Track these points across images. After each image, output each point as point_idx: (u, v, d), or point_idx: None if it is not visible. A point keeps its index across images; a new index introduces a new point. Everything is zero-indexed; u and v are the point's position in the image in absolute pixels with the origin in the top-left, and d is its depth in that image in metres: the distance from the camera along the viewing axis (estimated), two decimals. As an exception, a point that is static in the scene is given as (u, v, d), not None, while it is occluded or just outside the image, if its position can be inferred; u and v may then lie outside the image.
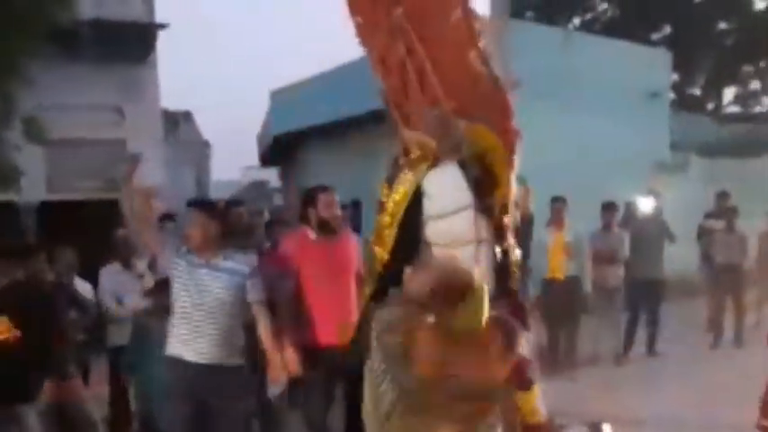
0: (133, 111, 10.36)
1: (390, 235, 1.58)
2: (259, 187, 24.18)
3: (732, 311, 9.34)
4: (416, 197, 1.56)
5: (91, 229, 7.57)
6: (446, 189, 1.57)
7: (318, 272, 4.46)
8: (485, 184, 1.61)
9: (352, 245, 4.70)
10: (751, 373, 7.30)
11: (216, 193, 14.34)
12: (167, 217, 6.96)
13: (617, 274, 8.41)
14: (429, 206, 1.55)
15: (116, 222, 9.89)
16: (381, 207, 1.80)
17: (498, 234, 1.68)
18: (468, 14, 1.69)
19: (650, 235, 8.74)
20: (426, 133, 1.76)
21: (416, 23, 1.64)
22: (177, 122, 11.50)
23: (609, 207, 8.45)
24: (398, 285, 1.69)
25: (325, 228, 4.51)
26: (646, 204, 9.00)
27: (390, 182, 1.82)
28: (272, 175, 23.83)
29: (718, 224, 9.55)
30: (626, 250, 8.44)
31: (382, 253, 1.67)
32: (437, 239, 1.57)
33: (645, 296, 8.69)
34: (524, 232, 6.95)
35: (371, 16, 1.83)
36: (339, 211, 4.62)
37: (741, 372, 7.54)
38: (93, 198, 10.41)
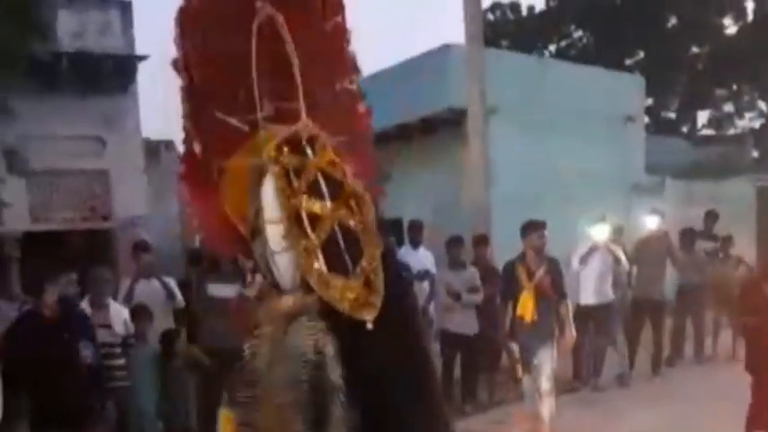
0: (114, 141, 10.42)
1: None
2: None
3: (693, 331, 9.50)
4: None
5: (73, 258, 7.60)
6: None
7: None
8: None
9: None
10: (712, 389, 7.46)
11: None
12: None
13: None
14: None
15: (96, 252, 9.93)
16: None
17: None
18: (355, 79, 1.81)
19: (654, 255, 8.83)
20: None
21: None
22: (159, 152, 11.52)
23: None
24: None
25: None
26: (651, 222, 9.05)
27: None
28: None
29: (709, 245, 9.57)
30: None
31: None
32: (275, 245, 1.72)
33: (648, 316, 8.78)
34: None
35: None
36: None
37: (704, 389, 7.70)
38: (75, 228, 10.45)
